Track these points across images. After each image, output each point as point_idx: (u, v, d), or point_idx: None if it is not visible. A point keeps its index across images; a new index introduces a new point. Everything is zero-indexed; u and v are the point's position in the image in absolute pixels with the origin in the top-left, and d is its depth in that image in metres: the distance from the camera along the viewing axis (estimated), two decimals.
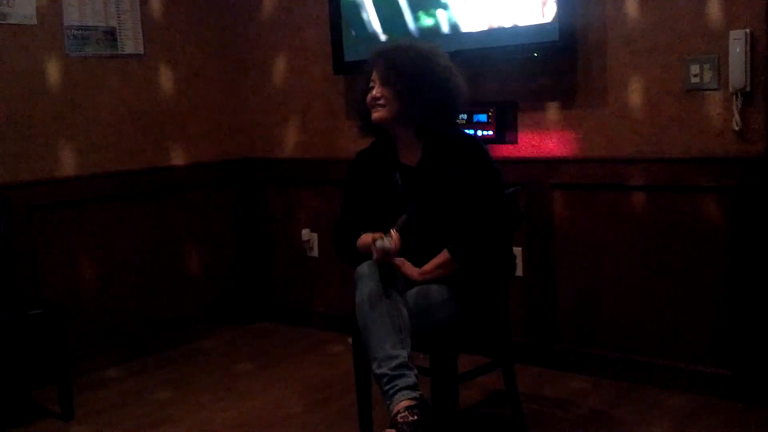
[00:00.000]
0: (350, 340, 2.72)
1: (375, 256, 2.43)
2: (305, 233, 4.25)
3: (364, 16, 3.75)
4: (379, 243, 2.41)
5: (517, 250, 3.38)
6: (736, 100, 2.93)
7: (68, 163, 3.66)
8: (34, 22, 3.52)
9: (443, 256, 2.49)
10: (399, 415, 2.22)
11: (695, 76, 3.02)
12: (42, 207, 3.55)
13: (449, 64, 2.58)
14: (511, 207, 2.61)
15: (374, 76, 2.58)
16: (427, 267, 2.51)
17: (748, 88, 2.90)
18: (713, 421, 2.89)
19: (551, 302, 3.47)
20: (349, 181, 2.73)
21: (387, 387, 2.29)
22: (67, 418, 3.17)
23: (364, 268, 2.47)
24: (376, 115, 2.56)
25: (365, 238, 2.55)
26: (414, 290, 2.47)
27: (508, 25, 3.33)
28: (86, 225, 3.73)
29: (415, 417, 2.22)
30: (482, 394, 3.21)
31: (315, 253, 4.25)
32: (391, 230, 2.45)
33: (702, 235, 3.07)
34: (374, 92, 2.55)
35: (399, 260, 2.51)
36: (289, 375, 3.60)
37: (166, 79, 4.05)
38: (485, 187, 2.51)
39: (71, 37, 3.65)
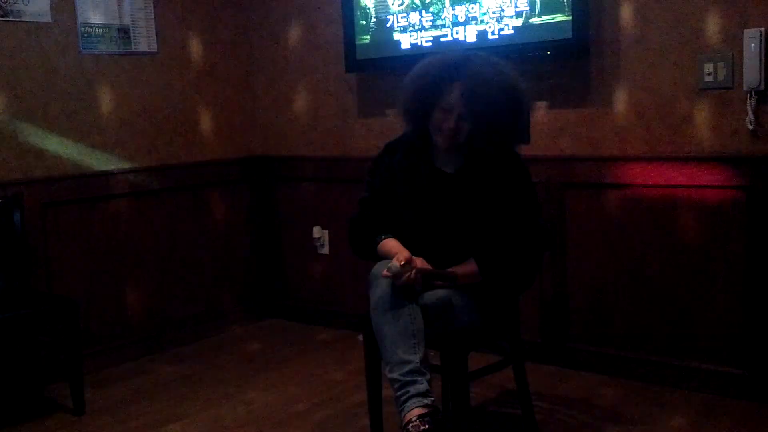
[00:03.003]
0: (361, 338, 2.72)
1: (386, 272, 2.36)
2: (316, 231, 4.26)
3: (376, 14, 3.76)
4: (394, 269, 2.33)
5: None
6: (750, 98, 2.91)
7: (82, 159, 3.68)
8: (49, 19, 3.54)
9: (471, 266, 2.46)
10: (411, 425, 2.21)
11: (709, 74, 3.00)
12: (55, 203, 3.57)
13: (524, 89, 2.51)
14: (545, 231, 2.56)
15: (453, 101, 2.41)
16: (456, 272, 2.46)
17: (762, 87, 2.88)
18: (726, 421, 2.87)
19: (563, 301, 3.46)
20: (375, 174, 2.63)
21: (398, 393, 2.27)
22: (79, 413, 3.18)
23: (380, 269, 2.43)
24: (447, 144, 2.47)
25: (391, 244, 2.48)
26: (436, 292, 2.44)
27: (520, 22, 3.32)
28: (99, 221, 3.75)
29: (427, 426, 2.20)
30: (493, 393, 3.21)
31: (326, 250, 4.25)
32: (416, 263, 2.36)
33: (716, 233, 3.05)
34: (451, 125, 2.43)
35: (419, 262, 2.43)
36: (300, 372, 3.60)
37: (179, 77, 4.06)
38: (524, 210, 2.48)
39: (85, 35, 3.67)
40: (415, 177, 2.55)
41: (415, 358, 2.29)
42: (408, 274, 2.33)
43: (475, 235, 2.48)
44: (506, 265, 2.47)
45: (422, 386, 2.26)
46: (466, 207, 2.49)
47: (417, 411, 2.22)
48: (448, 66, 2.46)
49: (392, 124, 3.59)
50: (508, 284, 2.55)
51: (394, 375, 2.29)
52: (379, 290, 2.38)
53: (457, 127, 2.43)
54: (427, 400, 2.25)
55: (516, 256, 2.47)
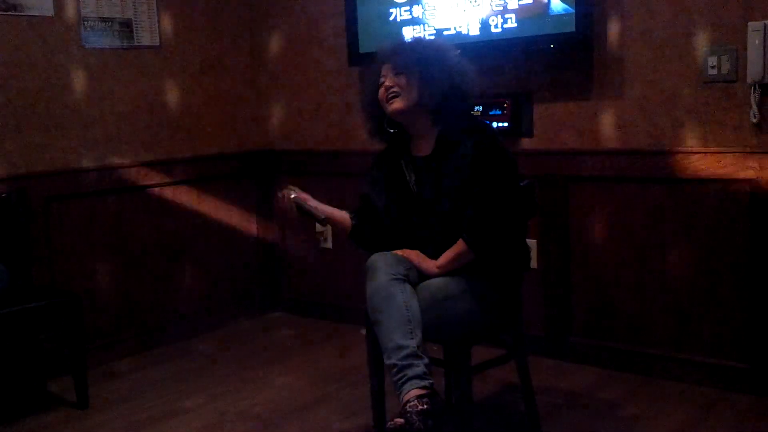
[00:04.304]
0: (363, 331, 2.72)
1: (293, 212, 2.58)
2: (319, 225, 4.24)
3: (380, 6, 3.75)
4: (293, 196, 2.57)
5: (532, 243, 3.36)
6: (754, 92, 2.90)
7: (85, 154, 3.68)
8: (51, 13, 3.54)
9: (459, 246, 2.47)
10: (408, 404, 2.23)
11: (713, 67, 2.99)
12: (59, 198, 3.57)
13: (457, 53, 2.59)
14: (526, 196, 2.59)
15: (384, 71, 2.56)
16: (444, 260, 2.50)
17: (766, 80, 2.87)
18: (729, 415, 2.88)
19: (566, 295, 3.45)
20: (364, 183, 2.75)
21: (396, 377, 2.29)
22: (83, 407, 3.19)
23: (375, 259, 2.47)
24: (393, 106, 2.53)
25: None
26: (431, 282, 2.47)
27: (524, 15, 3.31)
28: (103, 216, 3.75)
29: (425, 406, 2.21)
30: (496, 386, 3.21)
31: (329, 244, 4.26)
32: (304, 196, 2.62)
33: (719, 227, 3.05)
34: (386, 83, 2.54)
35: (414, 254, 2.52)
36: (302, 366, 3.61)
37: (182, 71, 4.06)
38: (500, 176, 2.48)
39: (88, 29, 3.67)
40: (394, 171, 2.62)
41: (412, 343, 2.30)
42: (285, 194, 2.57)
43: (458, 214, 2.49)
44: (493, 234, 2.45)
45: (419, 369, 2.28)
46: (448, 185, 2.50)
47: (415, 392, 2.24)
48: (378, 58, 2.63)
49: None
50: (500, 257, 2.53)
51: (392, 360, 2.30)
52: (375, 280, 2.41)
53: (393, 83, 2.52)
54: (425, 382, 2.26)
55: (501, 225, 2.46)
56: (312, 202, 2.62)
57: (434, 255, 2.52)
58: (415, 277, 2.48)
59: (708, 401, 2.99)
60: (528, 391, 2.74)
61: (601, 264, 3.35)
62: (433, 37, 2.63)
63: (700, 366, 3.14)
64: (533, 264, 3.39)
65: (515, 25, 3.33)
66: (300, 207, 2.58)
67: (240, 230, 4.38)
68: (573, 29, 3.18)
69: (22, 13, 3.44)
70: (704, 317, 3.12)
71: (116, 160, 3.80)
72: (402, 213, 2.60)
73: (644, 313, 3.26)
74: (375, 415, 2.74)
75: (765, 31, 2.85)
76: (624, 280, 3.30)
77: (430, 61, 2.52)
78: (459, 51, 2.61)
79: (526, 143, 3.46)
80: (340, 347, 3.85)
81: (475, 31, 3.44)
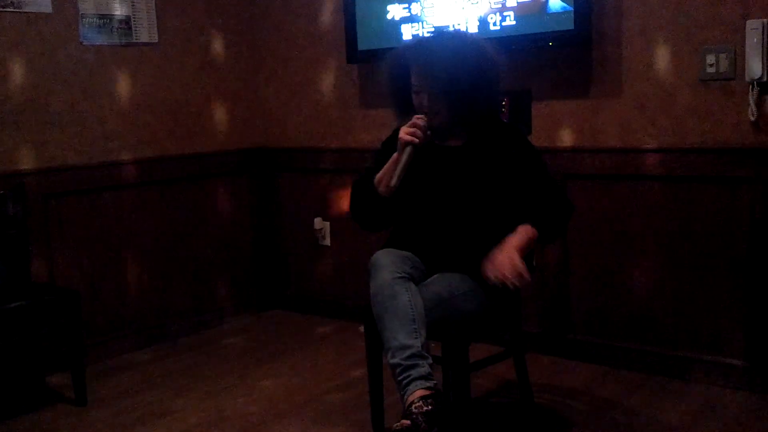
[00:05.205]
0: (362, 328, 2.72)
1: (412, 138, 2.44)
2: (318, 222, 4.26)
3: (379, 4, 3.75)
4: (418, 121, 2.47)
5: None
6: (753, 90, 2.90)
7: (83, 151, 3.68)
8: (50, 10, 3.53)
9: (528, 232, 2.42)
10: (413, 405, 2.22)
11: (711, 65, 3.00)
12: (57, 194, 3.57)
13: (481, 47, 2.55)
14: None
15: (416, 78, 2.51)
16: (521, 243, 2.41)
17: (764, 78, 2.87)
18: (727, 413, 2.88)
19: (565, 292, 3.46)
20: (380, 153, 2.68)
21: (400, 377, 2.28)
22: (81, 404, 3.19)
23: (380, 257, 2.46)
24: (436, 122, 2.52)
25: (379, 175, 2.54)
26: (437, 280, 2.46)
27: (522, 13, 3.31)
28: (101, 212, 3.75)
29: (430, 407, 2.21)
30: (495, 383, 3.21)
31: (327, 242, 4.26)
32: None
33: (717, 225, 3.05)
34: (425, 103, 2.50)
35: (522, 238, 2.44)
36: (301, 363, 3.61)
37: (180, 68, 4.06)
38: (546, 177, 2.54)
39: (86, 26, 3.66)
40: (421, 155, 2.56)
41: (416, 343, 2.30)
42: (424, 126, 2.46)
43: (488, 209, 2.50)
44: (556, 219, 2.52)
45: (424, 369, 2.27)
46: (478, 177, 2.51)
47: (419, 393, 2.24)
48: (405, 52, 2.58)
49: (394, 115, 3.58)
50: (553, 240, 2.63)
51: (396, 360, 2.30)
52: (379, 279, 2.40)
53: (431, 104, 2.49)
54: (430, 383, 2.26)
55: (560, 212, 2.54)
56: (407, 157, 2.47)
57: (444, 245, 2.51)
58: (419, 275, 2.48)
59: (706, 399, 3.00)
60: (526, 387, 2.75)
61: (600, 261, 3.36)
62: (453, 32, 2.61)
63: (699, 363, 3.14)
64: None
65: (514, 22, 3.33)
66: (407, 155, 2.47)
67: (238, 227, 4.38)
68: (571, 27, 3.18)
69: (20, 10, 3.44)
70: (703, 315, 3.13)
71: (114, 157, 3.79)
72: (422, 190, 2.55)
73: (642, 311, 3.27)
74: (373, 412, 2.74)
75: (763, 29, 2.85)
76: (622, 278, 3.30)
77: (468, 79, 2.46)
78: (491, 51, 2.55)
79: None
80: (339, 345, 3.85)
81: (473, 28, 3.43)
